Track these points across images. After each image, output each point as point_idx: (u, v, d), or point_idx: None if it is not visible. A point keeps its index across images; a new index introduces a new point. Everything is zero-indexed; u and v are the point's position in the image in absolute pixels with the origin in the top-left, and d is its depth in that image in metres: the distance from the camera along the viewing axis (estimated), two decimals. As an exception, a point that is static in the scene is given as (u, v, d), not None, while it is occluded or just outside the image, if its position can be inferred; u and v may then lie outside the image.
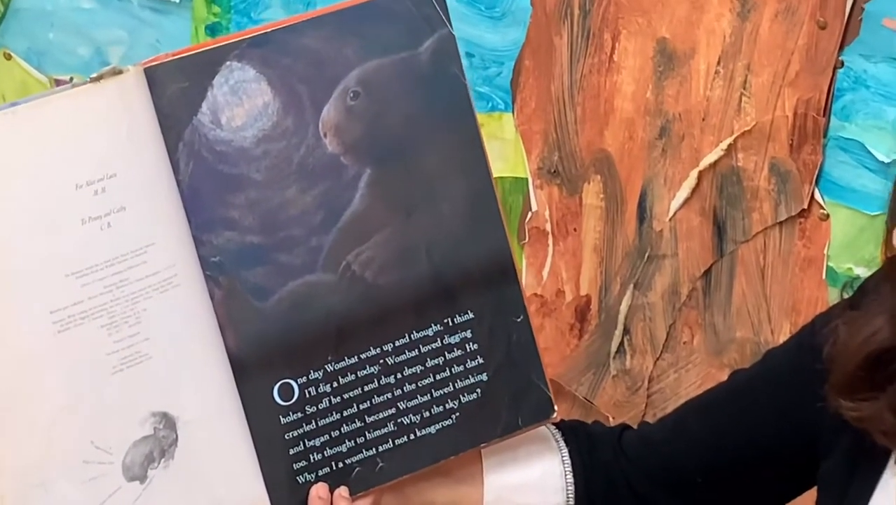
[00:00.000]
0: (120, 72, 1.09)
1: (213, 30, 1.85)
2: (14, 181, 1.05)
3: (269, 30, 1.13)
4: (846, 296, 1.17)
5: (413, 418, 1.18)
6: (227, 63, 1.12)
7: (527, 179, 1.75)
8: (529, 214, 1.76)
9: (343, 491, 1.16)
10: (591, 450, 1.26)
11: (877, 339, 1.08)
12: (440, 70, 1.17)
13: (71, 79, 1.83)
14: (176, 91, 1.10)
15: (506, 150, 1.73)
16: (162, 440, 1.11)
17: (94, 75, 1.08)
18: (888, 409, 1.07)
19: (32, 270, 1.05)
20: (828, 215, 1.60)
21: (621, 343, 1.74)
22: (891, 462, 1.10)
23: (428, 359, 1.18)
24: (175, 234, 1.11)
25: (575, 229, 1.74)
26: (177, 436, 1.11)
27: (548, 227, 1.75)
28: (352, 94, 1.15)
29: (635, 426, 1.32)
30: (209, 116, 1.12)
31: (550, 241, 1.76)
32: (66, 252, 1.06)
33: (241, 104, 1.12)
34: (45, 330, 1.05)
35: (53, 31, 1.92)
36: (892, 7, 1.51)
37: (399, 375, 1.17)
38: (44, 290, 1.05)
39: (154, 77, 1.10)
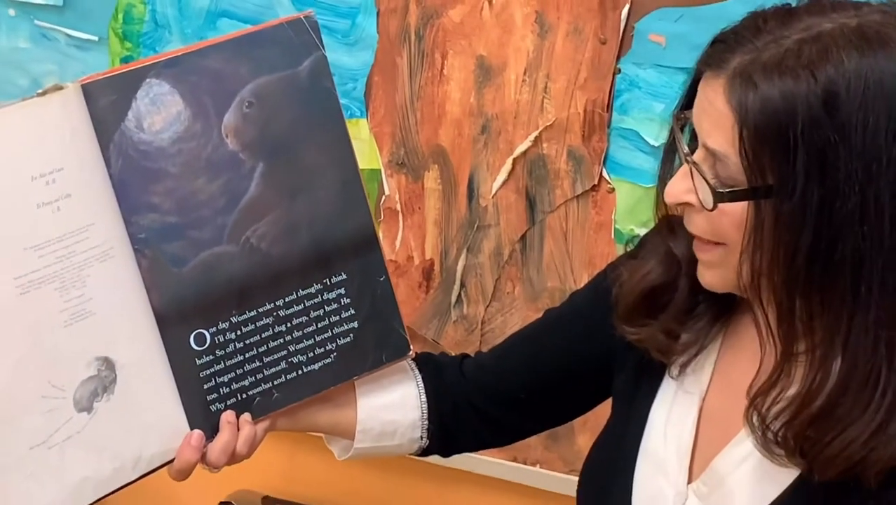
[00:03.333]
0: (61, 88, 1.07)
1: (126, 61, 1.81)
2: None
3: (179, 54, 1.12)
4: (629, 249, 1.20)
5: (300, 358, 1.18)
6: (148, 80, 1.10)
7: (380, 170, 1.75)
8: (383, 198, 1.76)
9: (246, 416, 1.16)
10: (439, 375, 1.27)
11: (649, 278, 1.10)
12: (316, 84, 1.16)
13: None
14: (107, 102, 1.09)
15: (362, 148, 1.73)
16: (104, 379, 1.10)
17: (40, 91, 1.06)
18: (660, 332, 1.10)
19: None
20: (613, 189, 1.63)
21: (459, 295, 1.76)
22: (666, 375, 1.13)
23: (311, 311, 1.18)
24: (110, 216, 1.09)
25: (419, 208, 1.75)
26: (115, 376, 1.10)
27: (398, 207, 1.76)
28: (247, 104, 1.14)
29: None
30: (134, 122, 1.10)
31: (400, 218, 1.76)
32: (25, 230, 1.05)
33: (159, 112, 1.11)
34: (10, 293, 1.04)
35: (-3, 67, 1.89)
36: (655, 25, 1.56)
37: (289, 325, 1.17)
38: (8, 260, 1.04)
39: (89, 91, 1.08)
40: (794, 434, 0.97)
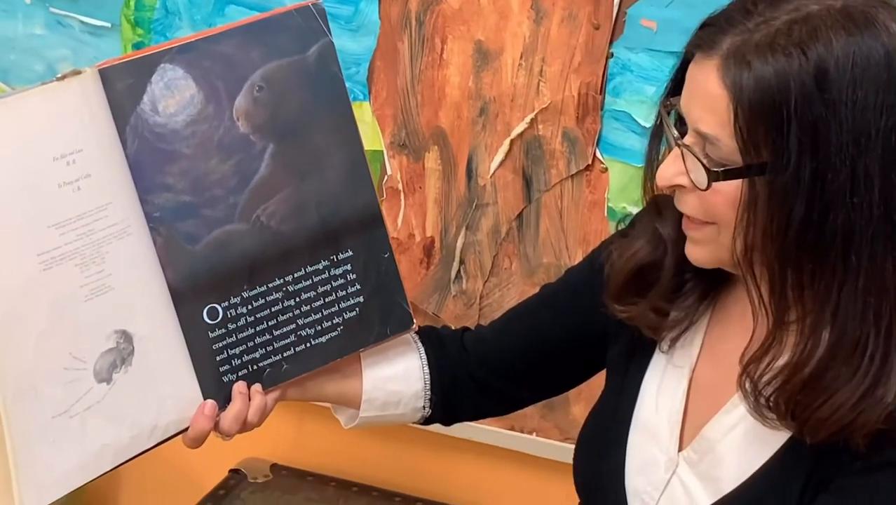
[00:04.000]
0: (80, 72, 1.07)
1: (137, 47, 1.80)
2: (4, 156, 1.03)
3: (193, 39, 1.11)
4: (621, 227, 1.20)
5: (309, 331, 1.18)
6: (162, 65, 1.10)
7: (382, 151, 1.74)
8: (385, 177, 1.76)
9: (257, 387, 1.16)
10: (441, 348, 1.27)
11: (638, 256, 1.11)
12: (323, 69, 1.16)
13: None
14: (123, 86, 1.09)
15: (365, 130, 1.72)
16: (122, 351, 1.10)
17: (59, 75, 1.06)
18: (649, 309, 1.10)
19: (22, 223, 1.04)
20: (606, 169, 1.64)
21: (458, 271, 1.76)
22: (657, 349, 1.14)
23: (319, 286, 1.18)
24: (127, 195, 1.09)
25: (420, 187, 1.75)
26: (133, 348, 1.10)
27: (400, 186, 1.76)
28: (257, 88, 1.14)
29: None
30: (149, 105, 1.10)
31: (402, 197, 1.76)
32: (48, 209, 1.05)
33: (173, 96, 1.10)
34: (34, 269, 1.04)
35: (15, 53, 1.87)
36: (647, 10, 1.55)
37: (297, 299, 1.17)
38: (31, 238, 1.04)
39: (107, 76, 1.08)
40: (786, 399, 0.98)
